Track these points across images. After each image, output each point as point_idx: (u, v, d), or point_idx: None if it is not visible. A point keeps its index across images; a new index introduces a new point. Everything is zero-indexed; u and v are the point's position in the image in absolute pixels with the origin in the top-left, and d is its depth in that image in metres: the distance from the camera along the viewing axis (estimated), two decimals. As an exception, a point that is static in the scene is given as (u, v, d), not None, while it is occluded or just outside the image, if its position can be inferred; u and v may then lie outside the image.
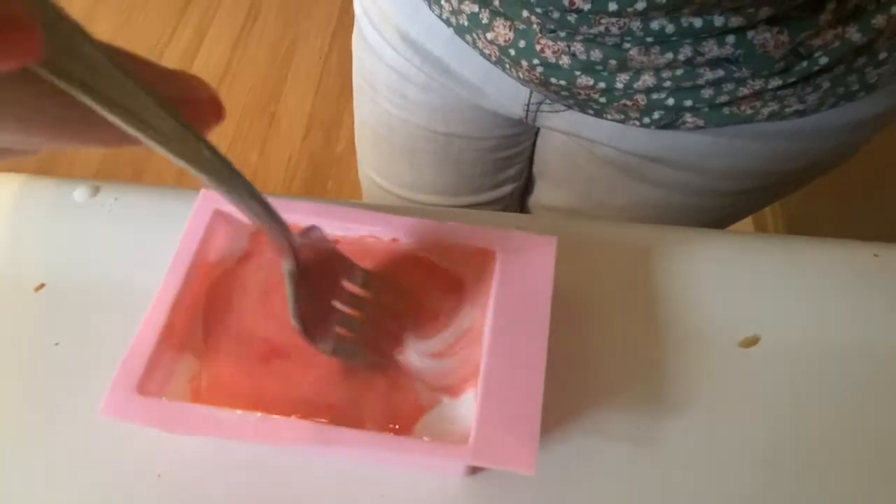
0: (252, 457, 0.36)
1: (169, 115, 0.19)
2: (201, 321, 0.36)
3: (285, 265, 0.30)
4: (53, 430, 0.37)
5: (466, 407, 0.33)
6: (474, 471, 0.36)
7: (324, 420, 0.32)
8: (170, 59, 1.74)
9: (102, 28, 1.80)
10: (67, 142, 0.18)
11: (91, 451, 0.36)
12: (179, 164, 0.20)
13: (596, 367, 0.40)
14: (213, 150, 0.21)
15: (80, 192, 0.46)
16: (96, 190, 0.46)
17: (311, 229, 0.33)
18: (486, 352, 0.34)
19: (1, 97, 0.16)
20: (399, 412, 0.34)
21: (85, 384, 0.38)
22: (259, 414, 0.32)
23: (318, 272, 0.33)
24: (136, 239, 0.44)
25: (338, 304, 0.35)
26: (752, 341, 0.41)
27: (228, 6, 1.88)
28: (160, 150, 0.19)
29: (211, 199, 0.39)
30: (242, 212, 0.25)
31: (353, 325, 0.35)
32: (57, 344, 0.40)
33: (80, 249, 0.43)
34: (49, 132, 0.18)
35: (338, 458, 0.36)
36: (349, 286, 0.36)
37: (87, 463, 0.36)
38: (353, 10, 0.61)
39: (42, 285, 0.42)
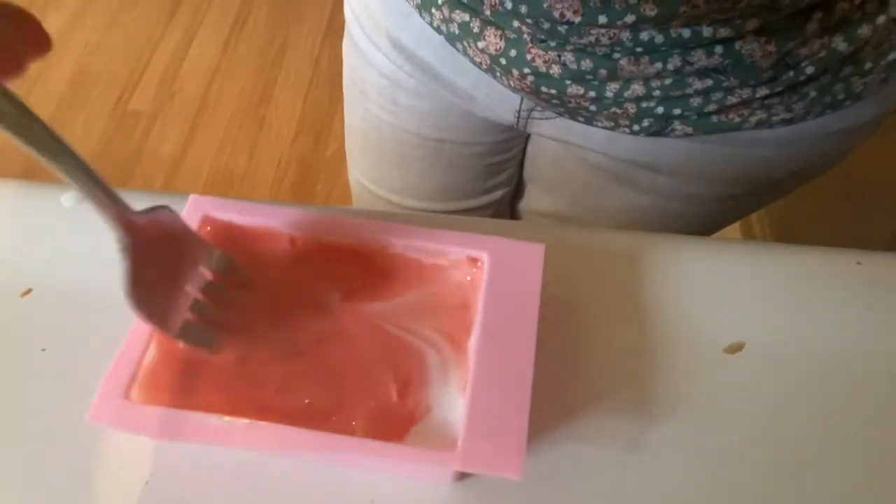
0: (240, 463, 0.36)
1: None
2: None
3: (116, 238, 0.30)
4: (40, 436, 0.37)
5: (456, 413, 0.34)
6: (462, 476, 0.36)
7: (312, 425, 0.32)
8: (159, 60, 1.73)
9: (91, 28, 1.79)
10: None
11: (78, 458, 0.36)
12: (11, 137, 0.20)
13: (583, 372, 0.40)
14: (22, 108, 0.21)
15: (67, 198, 0.45)
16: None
17: (159, 208, 0.33)
18: (474, 358, 0.34)
19: None
20: (389, 419, 0.34)
21: (72, 390, 0.38)
22: (247, 420, 0.32)
23: (166, 252, 0.33)
24: (124, 244, 0.43)
25: (189, 289, 0.35)
26: (737, 347, 0.41)
27: (218, 8, 1.88)
28: None
29: (200, 205, 0.39)
30: (65, 178, 0.25)
31: (205, 309, 0.35)
32: (44, 350, 0.39)
33: (68, 254, 0.43)
34: None
35: (327, 465, 0.36)
36: (204, 271, 0.36)
37: (74, 469, 0.36)
38: (343, 15, 0.61)
39: (29, 290, 0.42)
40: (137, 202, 0.46)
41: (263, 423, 0.32)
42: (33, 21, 0.19)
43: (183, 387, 0.34)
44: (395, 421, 0.33)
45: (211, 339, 0.35)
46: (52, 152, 0.23)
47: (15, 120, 0.21)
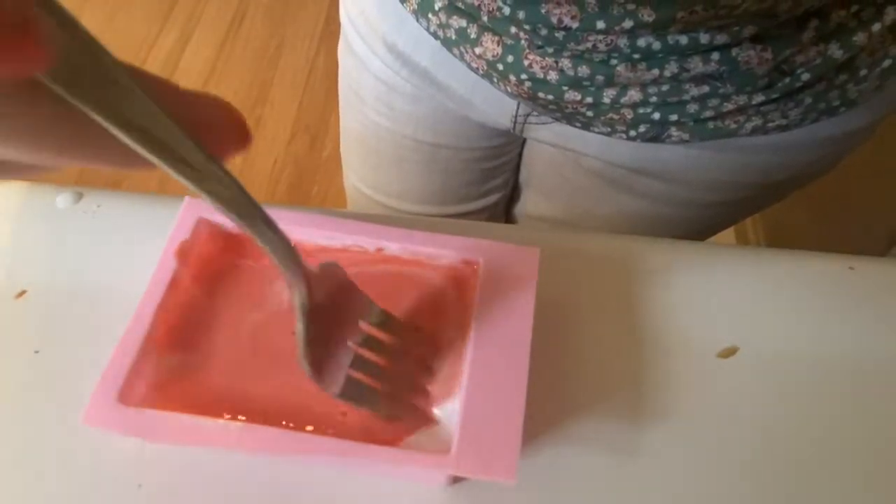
0: (234, 466, 0.36)
1: (186, 138, 0.18)
2: (186, 328, 0.36)
3: (296, 298, 0.28)
4: (33, 438, 0.37)
5: (450, 417, 0.34)
6: (456, 480, 0.36)
7: (308, 429, 0.32)
8: (154, 61, 1.73)
9: (86, 27, 1.79)
10: (76, 160, 0.17)
11: (71, 461, 0.36)
12: (193, 188, 0.19)
13: (577, 376, 0.40)
14: (228, 176, 0.20)
15: (62, 199, 0.45)
16: (79, 196, 0.45)
17: (329, 265, 0.31)
18: (469, 362, 0.34)
19: (12, 110, 0.15)
20: (388, 429, 0.34)
21: (66, 393, 0.38)
22: (241, 423, 0.32)
23: (330, 306, 0.31)
24: (118, 246, 0.43)
25: (353, 345, 0.33)
26: (730, 352, 0.41)
27: (214, 8, 1.87)
28: (173, 174, 0.18)
29: (195, 207, 0.39)
30: (255, 240, 0.23)
31: (369, 369, 0.33)
32: (37, 352, 0.39)
33: (62, 256, 0.43)
34: (59, 150, 0.17)
35: (321, 468, 0.36)
36: (366, 327, 0.34)
37: (67, 472, 0.36)
38: (339, 17, 0.61)
39: (23, 292, 0.41)
40: (134, 204, 0.46)
41: (258, 426, 0.32)
42: (237, 115, 0.19)
43: (178, 389, 0.34)
44: (392, 425, 0.33)
45: (375, 398, 0.33)
46: (243, 212, 0.22)
47: (226, 191, 0.20)
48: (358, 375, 0.33)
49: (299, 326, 0.29)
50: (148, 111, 0.17)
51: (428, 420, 0.34)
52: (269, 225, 0.24)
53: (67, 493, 0.35)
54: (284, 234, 0.25)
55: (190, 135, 0.18)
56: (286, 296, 0.37)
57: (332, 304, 0.31)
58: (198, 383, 0.34)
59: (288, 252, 0.26)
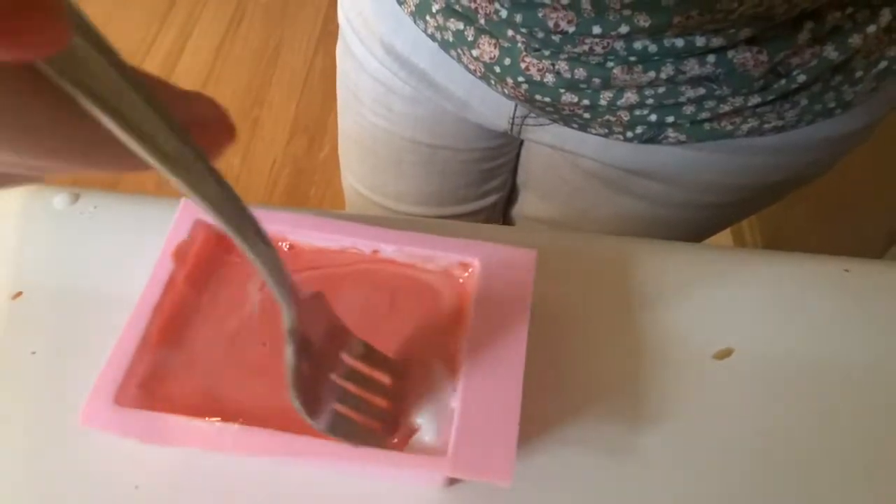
0: (230, 468, 0.36)
1: (181, 139, 0.18)
2: (184, 329, 0.36)
3: (286, 322, 0.27)
4: (30, 440, 0.37)
5: (446, 419, 0.34)
6: (452, 482, 0.36)
7: (304, 430, 0.32)
8: (152, 61, 1.73)
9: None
10: (72, 165, 0.17)
11: (68, 462, 0.36)
12: (186, 192, 0.19)
13: (573, 378, 0.40)
14: (222, 184, 0.20)
15: (60, 200, 0.45)
16: (76, 197, 0.45)
17: (316, 295, 0.30)
18: (465, 362, 0.34)
19: (13, 102, 0.15)
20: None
21: (62, 394, 0.38)
22: (237, 425, 0.32)
23: (315, 336, 0.30)
24: (115, 247, 0.43)
25: (337, 379, 0.32)
26: (725, 353, 0.41)
27: (213, 9, 1.87)
28: (168, 176, 0.18)
29: (193, 208, 0.39)
30: (246, 254, 0.22)
31: (353, 402, 0.32)
32: (34, 353, 0.39)
33: (59, 257, 0.43)
34: (54, 154, 0.17)
35: (317, 470, 0.36)
36: (348, 359, 0.33)
37: (63, 473, 0.36)
38: (337, 19, 0.61)
39: (19, 293, 0.41)
40: (131, 205, 0.46)
41: (254, 428, 0.32)
42: (220, 109, 0.19)
43: (172, 389, 0.34)
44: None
45: (363, 433, 0.32)
46: (234, 222, 0.21)
47: (217, 198, 0.19)
48: (344, 410, 0.32)
49: (289, 352, 0.28)
50: (142, 110, 0.17)
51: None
52: (262, 238, 0.23)
53: (64, 493, 0.35)
54: (277, 252, 0.24)
55: (183, 134, 0.18)
56: (259, 298, 0.38)
57: (316, 334, 0.30)
58: (193, 386, 0.34)
59: (280, 272, 0.25)
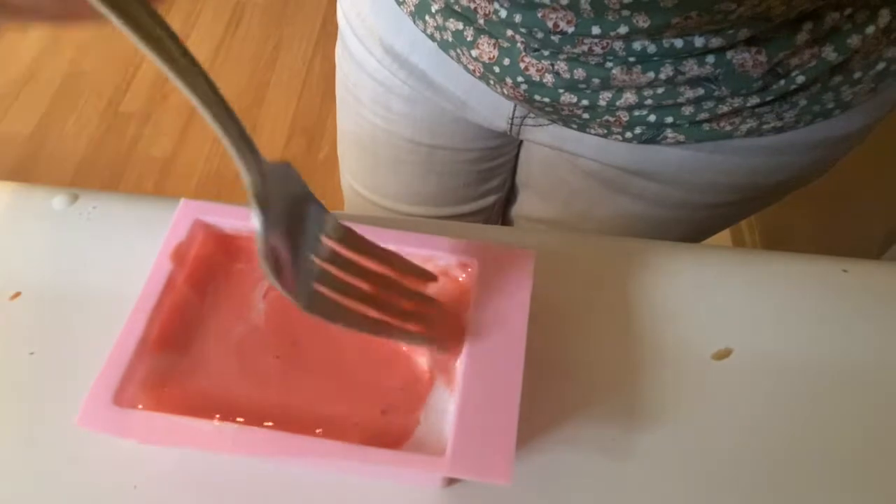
0: (228, 468, 0.36)
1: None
2: (182, 330, 0.36)
3: (249, 184, 0.26)
4: (28, 440, 0.36)
5: (445, 419, 0.34)
6: (451, 482, 0.36)
7: (302, 431, 0.32)
8: (151, 62, 1.72)
9: (82, 29, 1.79)
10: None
11: (66, 462, 0.36)
12: (149, 55, 0.21)
13: (572, 378, 0.40)
14: (175, 40, 0.22)
15: (58, 200, 0.45)
16: (75, 198, 0.45)
17: (284, 164, 0.29)
18: (464, 363, 0.34)
19: None
20: (389, 433, 0.34)
21: (61, 394, 0.38)
22: (236, 425, 0.32)
23: (287, 211, 0.29)
24: (114, 247, 0.43)
25: (315, 259, 0.31)
26: (724, 354, 0.41)
27: (211, 9, 1.87)
28: (124, 30, 0.20)
29: (191, 209, 0.39)
30: (206, 116, 0.24)
31: (333, 283, 0.31)
32: (32, 353, 0.39)
33: (58, 258, 0.43)
34: None
35: (315, 470, 0.36)
36: (328, 241, 0.32)
37: (62, 474, 0.35)
38: (336, 19, 0.61)
39: (18, 294, 0.41)
40: (130, 205, 0.46)
41: (253, 428, 0.32)
42: None
43: (172, 391, 0.34)
44: (394, 433, 0.33)
45: (343, 313, 0.31)
46: (188, 80, 0.23)
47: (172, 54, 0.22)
48: (326, 291, 0.31)
49: (255, 219, 0.26)
50: None
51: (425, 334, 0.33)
52: (222, 105, 0.24)
53: (63, 494, 0.35)
54: (238, 119, 0.25)
55: None
56: (263, 307, 0.37)
57: (288, 208, 0.29)
58: (191, 386, 0.34)
59: (240, 135, 0.25)
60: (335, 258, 0.32)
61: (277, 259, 0.28)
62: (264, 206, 0.27)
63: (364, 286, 0.33)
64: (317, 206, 0.31)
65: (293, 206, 0.30)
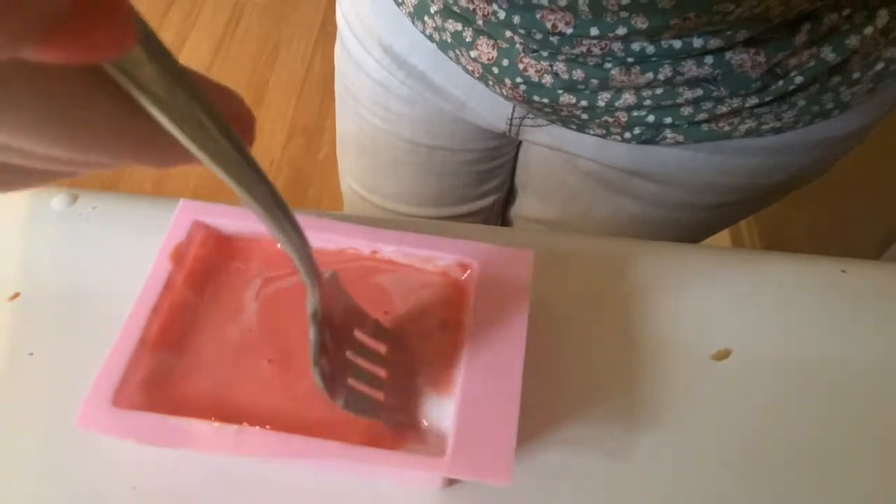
0: (228, 469, 0.36)
1: (223, 132, 0.18)
2: (181, 330, 0.36)
3: (310, 305, 0.28)
4: (27, 441, 0.36)
5: (445, 420, 0.34)
6: (451, 482, 0.36)
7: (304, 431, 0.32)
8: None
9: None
10: (120, 159, 0.17)
11: (65, 463, 0.36)
12: (227, 181, 0.19)
13: (571, 378, 0.40)
14: (260, 174, 0.21)
15: (58, 201, 0.45)
16: (74, 198, 0.45)
17: (332, 275, 0.31)
18: (463, 364, 0.34)
19: (70, 101, 0.15)
20: (388, 434, 0.34)
21: (60, 395, 0.38)
22: (235, 427, 0.32)
23: (331, 316, 0.31)
24: (114, 248, 0.43)
25: (352, 356, 0.33)
26: (723, 354, 0.42)
27: (211, 10, 1.87)
28: (212, 167, 0.18)
29: (191, 209, 0.39)
30: (278, 240, 0.24)
31: (368, 379, 0.33)
32: (31, 354, 0.39)
33: (57, 258, 0.43)
34: (106, 147, 0.17)
35: (315, 471, 0.36)
36: (363, 338, 0.34)
37: (61, 475, 0.35)
38: (336, 19, 0.61)
39: (17, 294, 0.41)
40: (130, 206, 0.46)
41: (252, 429, 0.32)
42: (247, 109, 0.20)
43: (172, 392, 0.34)
44: (391, 436, 0.33)
45: (377, 408, 0.33)
46: (268, 209, 0.22)
47: (254, 185, 0.21)
48: (358, 386, 0.32)
49: (312, 333, 0.29)
50: (191, 104, 0.17)
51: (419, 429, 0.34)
52: (294, 225, 0.24)
53: (62, 495, 0.35)
54: (307, 239, 0.25)
55: (224, 126, 0.18)
56: (255, 307, 0.38)
57: (332, 313, 0.31)
58: (191, 387, 0.34)
59: (309, 258, 0.26)
60: (365, 352, 0.34)
61: (326, 362, 0.30)
62: (320, 321, 0.29)
63: (384, 373, 0.34)
64: (355, 306, 0.34)
65: (336, 309, 0.32)
